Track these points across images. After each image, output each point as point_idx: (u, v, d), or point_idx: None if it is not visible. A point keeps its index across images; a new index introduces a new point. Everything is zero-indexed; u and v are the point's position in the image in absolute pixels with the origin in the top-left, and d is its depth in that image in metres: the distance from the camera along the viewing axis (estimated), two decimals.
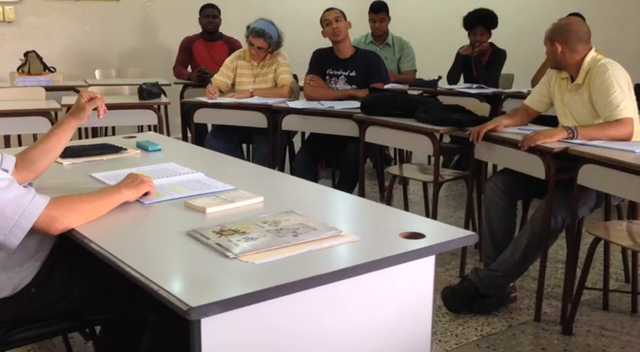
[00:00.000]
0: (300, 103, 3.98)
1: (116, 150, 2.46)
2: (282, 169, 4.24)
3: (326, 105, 3.83)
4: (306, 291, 1.29)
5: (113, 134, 5.17)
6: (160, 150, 2.53)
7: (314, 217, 1.62)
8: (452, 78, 5.19)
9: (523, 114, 3.06)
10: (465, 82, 5.19)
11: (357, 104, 3.79)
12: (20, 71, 4.82)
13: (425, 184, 3.75)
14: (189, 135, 5.39)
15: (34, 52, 4.90)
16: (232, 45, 5.58)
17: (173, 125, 5.64)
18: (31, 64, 4.81)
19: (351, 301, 1.40)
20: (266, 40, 4.31)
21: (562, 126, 2.77)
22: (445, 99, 3.62)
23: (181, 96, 5.42)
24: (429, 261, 1.50)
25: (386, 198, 3.76)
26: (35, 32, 5.79)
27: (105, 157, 2.38)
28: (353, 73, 4.11)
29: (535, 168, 2.65)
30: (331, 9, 4.12)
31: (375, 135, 3.50)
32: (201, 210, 1.72)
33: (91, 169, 2.20)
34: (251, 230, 1.53)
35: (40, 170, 1.93)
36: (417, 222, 1.66)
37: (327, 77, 4.19)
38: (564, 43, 2.77)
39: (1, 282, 1.63)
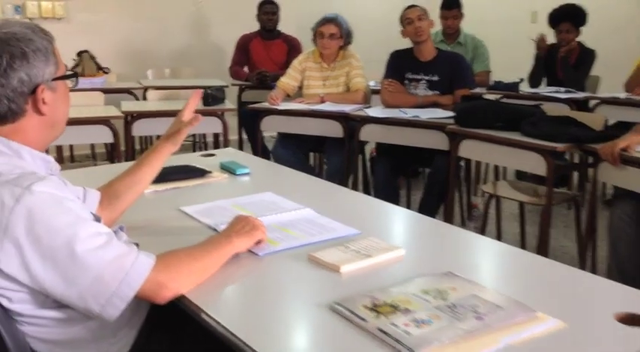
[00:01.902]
0: (380, 111, 3.61)
1: (201, 173, 2.13)
2: (355, 181, 3.87)
3: (410, 113, 3.45)
4: None
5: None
6: (248, 173, 2.20)
7: (476, 280, 1.27)
8: (534, 80, 4.77)
9: None
10: (549, 84, 4.76)
11: (444, 113, 3.42)
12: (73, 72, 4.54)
13: (522, 205, 3.35)
14: (244, 136, 5.10)
15: (87, 51, 4.62)
16: (291, 43, 5.26)
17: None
18: (85, 64, 4.55)
19: None
20: (337, 26, 3.95)
21: None
22: (549, 109, 3.20)
23: (239, 99, 5.12)
24: None
25: (475, 220, 3.38)
26: (86, 29, 5.53)
27: (191, 183, 2.06)
28: (435, 78, 3.72)
29: None
30: (413, 6, 3.74)
31: (471, 149, 3.12)
32: (334, 268, 1.37)
33: (177, 199, 1.88)
34: (414, 305, 1.17)
35: (125, 206, 1.61)
36: (632, 295, 1.27)
37: (406, 81, 3.81)
38: None
39: None
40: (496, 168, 4.04)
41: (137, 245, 1.48)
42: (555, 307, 1.19)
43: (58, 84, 1.28)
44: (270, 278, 1.38)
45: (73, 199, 1.22)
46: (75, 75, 1.37)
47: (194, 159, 2.37)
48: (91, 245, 1.17)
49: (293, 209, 1.77)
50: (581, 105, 4.32)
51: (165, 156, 1.66)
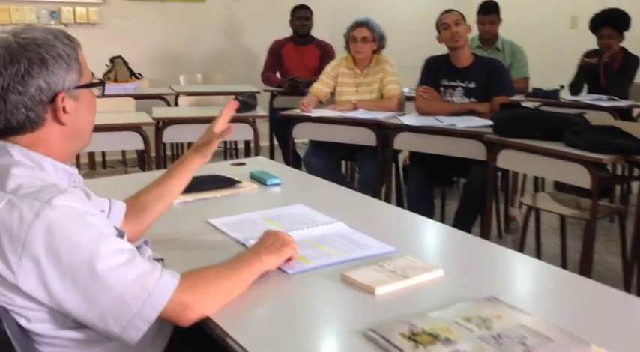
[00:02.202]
0: (414, 119, 3.51)
1: (230, 183, 2.07)
2: (388, 191, 3.77)
3: (446, 121, 3.35)
4: None
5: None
6: (279, 184, 2.13)
7: (520, 305, 1.18)
8: (575, 88, 4.61)
9: None
10: (590, 92, 4.60)
11: (482, 121, 3.31)
12: (106, 78, 4.55)
13: (562, 218, 3.22)
14: (275, 143, 5.04)
15: (120, 57, 4.62)
16: (324, 49, 5.18)
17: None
18: (118, 70, 4.54)
19: None
20: (369, 29, 3.88)
21: None
22: (592, 118, 3.07)
23: (270, 105, 5.07)
24: None
25: (513, 233, 3.25)
26: (120, 35, 5.55)
27: (219, 193, 2.00)
28: (472, 85, 3.61)
29: None
30: (450, 11, 3.64)
31: (509, 160, 3.01)
32: (369, 289, 1.29)
33: (205, 210, 1.82)
34: (455, 334, 1.09)
35: (152, 219, 1.56)
36: None
37: (442, 88, 3.70)
38: None
39: None
40: (535, 178, 3.90)
41: (162, 260, 1.43)
42: (607, 338, 1.09)
43: (81, 92, 1.22)
44: (300, 298, 1.31)
45: (96, 213, 1.17)
46: (101, 83, 1.31)
47: (224, 168, 2.31)
48: (113, 262, 1.11)
49: (325, 223, 1.69)
50: (625, 113, 4.16)
51: (195, 168, 1.60)
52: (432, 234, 1.78)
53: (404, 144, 3.49)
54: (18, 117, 1.15)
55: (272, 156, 5.06)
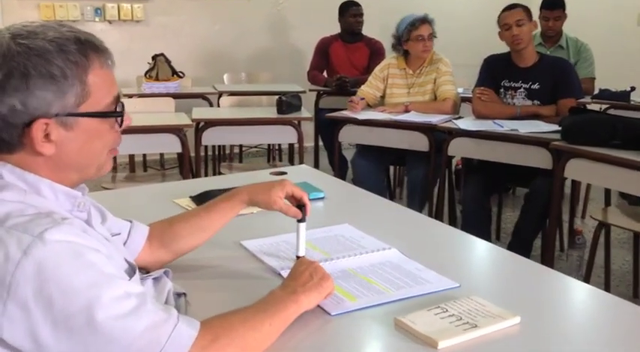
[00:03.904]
0: (471, 123, 3.23)
1: None
2: (441, 199, 3.50)
3: (506, 126, 3.06)
4: None
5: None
6: (322, 198, 1.90)
7: None
8: None
9: None
10: None
11: (547, 126, 3.02)
12: (148, 76, 4.42)
13: (636, 235, 2.89)
14: (320, 143, 4.83)
15: (162, 55, 4.48)
16: (374, 47, 4.94)
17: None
18: (160, 68, 4.39)
19: None
20: (430, 25, 3.65)
21: None
22: None
23: (316, 105, 4.85)
24: None
25: (578, 248, 2.95)
26: (164, 32, 5.43)
27: (256, 208, 1.78)
28: (536, 86, 3.30)
29: None
30: (513, 7, 3.32)
31: (579, 170, 2.71)
32: (430, 342, 1.05)
33: (238, 230, 1.59)
34: None
35: (183, 251, 1.35)
36: None
37: (502, 90, 3.41)
38: None
39: None
40: (606, 190, 3.57)
41: (184, 295, 1.23)
42: None
43: (79, 120, 0.97)
44: (343, 348, 1.08)
45: (98, 248, 0.96)
46: (115, 113, 1.02)
47: (263, 178, 2.09)
48: (118, 311, 0.90)
49: (375, 249, 1.46)
50: None
51: (241, 209, 1.40)
52: (501, 265, 1.51)
53: (460, 150, 3.22)
54: None
55: (317, 159, 4.85)
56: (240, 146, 5.21)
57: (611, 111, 3.78)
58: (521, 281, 1.36)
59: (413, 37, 3.61)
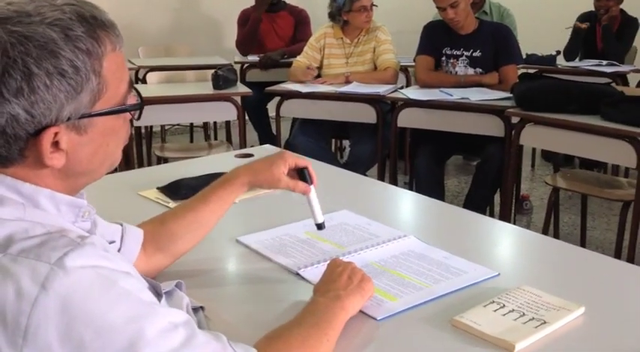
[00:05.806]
0: (419, 92, 3.15)
1: None
2: (394, 172, 3.39)
3: (457, 95, 3.01)
4: None
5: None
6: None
7: None
8: (570, 53, 4.34)
9: None
10: (585, 57, 4.34)
11: (497, 94, 2.99)
12: None
13: (584, 196, 2.93)
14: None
15: None
16: (299, 16, 4.74)
17: None
18: None
19: None
20: None
21: None
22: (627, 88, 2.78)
23: (242, 78, 4.61)
24: None
25: (527, 214, 2.97)
26: None
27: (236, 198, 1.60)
28: (477, 53, 3.26)
29: None
30: None
31: (535, 137, 2.70)
32: (507, 346, 0.94)
33: (227, 223, 1.41)
34: None
35: (182, 252, 1.16)
36: None
37: (444, 58, 3.35)
38: None
39: None
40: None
41: (202, 309, 1.05)
42: None
43: (95, 120, 0.78)
44: None
45: (128, 270, 0.76)
46: (133, 106, 0.83)
47: (228, 162, 1.89)
48: (166, 347, 0.72)
49: (392, 238, 1.33)
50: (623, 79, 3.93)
51: (240, 194, 1.20)
52: (530, 247, 1.38)
53: (409, 120, 3.13)
54: None
55: (244, 136, 4.61)
56: (162, 126, 4.89)
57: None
58: (559, 264, 1.27)
59: (355, 8, 3.46)
